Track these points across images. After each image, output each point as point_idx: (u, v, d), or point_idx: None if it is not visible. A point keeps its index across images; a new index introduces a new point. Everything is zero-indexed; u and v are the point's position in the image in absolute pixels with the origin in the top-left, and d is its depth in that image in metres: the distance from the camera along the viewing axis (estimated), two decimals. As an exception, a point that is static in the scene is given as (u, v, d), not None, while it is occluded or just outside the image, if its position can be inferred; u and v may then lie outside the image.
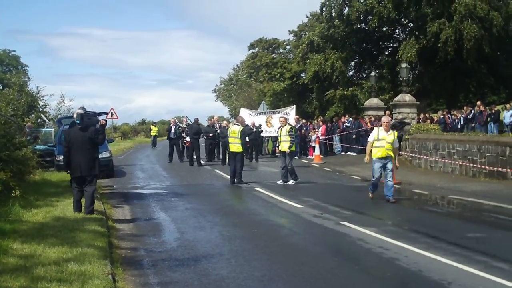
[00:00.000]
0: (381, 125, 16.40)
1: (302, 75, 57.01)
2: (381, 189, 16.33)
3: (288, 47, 74.09)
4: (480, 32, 37.28)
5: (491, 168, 20.74)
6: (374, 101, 38.58)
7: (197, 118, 31.36)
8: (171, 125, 32.88)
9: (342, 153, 34.67)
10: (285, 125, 21.27)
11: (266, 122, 34.67)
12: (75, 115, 13.06)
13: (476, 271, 8.47)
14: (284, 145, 20.89)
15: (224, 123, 32.38)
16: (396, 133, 16.30)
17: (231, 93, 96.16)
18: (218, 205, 15.98)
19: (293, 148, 21.02)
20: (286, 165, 20.81)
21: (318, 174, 24.83)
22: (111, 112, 49.86)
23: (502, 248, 10.17)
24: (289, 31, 70.72)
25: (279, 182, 20.88)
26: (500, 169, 20.28)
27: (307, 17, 67.62)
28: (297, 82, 57.45)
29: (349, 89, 47.67)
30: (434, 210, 15.63)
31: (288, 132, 20.84)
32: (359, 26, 46.13)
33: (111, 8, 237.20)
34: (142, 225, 12.91)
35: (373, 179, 16.34)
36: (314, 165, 28.96)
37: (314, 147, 33.03)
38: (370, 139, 16.36)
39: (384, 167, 15.98)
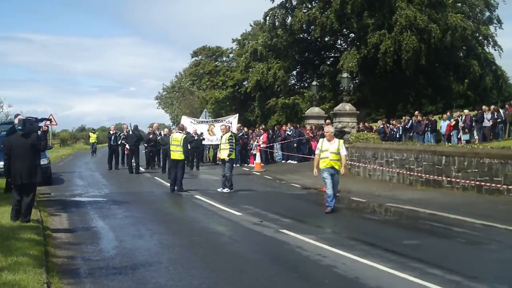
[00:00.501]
0: (324, 136, 16.21)
1: (245, 83, 57.22)
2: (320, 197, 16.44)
3: (231, 55, 74.31)
4: (418, 44, 38.10)
5: (427, 176, 21.19)
6: (316, 110, 38.99)
7: (136, 125, 31.13)
8: (111, 132, 32.48)
9: (283, 161, 34.87)
10: (226, 132, 21.26)
11: (208, 130, 34.63)
12: (16, 121, 12.77)
13: (411, 278, 8.63)
14: (224, 153, 20.86)
15: (165, 131, 32.20)
16: (341, 141, 16.14)
17: (173, 100, 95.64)
18: (158, 213, 15.88)
19: (232, 156, 20.91)
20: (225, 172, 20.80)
21: (258, 182, 24.90)
22: (50, 118, 48.89)
23: (437, 255, 10.37)
24: (232, 39, 70.97)
25: (219, 189, 20.83)
26: (436, 177, 20.74)
27: (250, 26, 68.09)
28: (239, 90, 57.66)
29: (291, 98, 48.09)
30: (371, 217, 15.87)
31: (228, 139, 20.79)
32: (301, 36, 46.58)
33: (54, 14, 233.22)
34: (79, 233, 12.70)
35: (328, 191, 15.77)
36: (254, 173, 29.06)
37: (255, 155, 33.13)
38: (316, 151, 16.22)
39: (332, 177, 15.78)
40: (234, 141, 21.10)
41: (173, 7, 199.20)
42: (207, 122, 36.34)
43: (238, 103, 59.54)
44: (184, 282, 8.48)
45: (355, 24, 41.27)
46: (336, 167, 15.76)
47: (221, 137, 21.46)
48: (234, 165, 22.70)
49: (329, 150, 15.66)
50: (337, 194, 18.76)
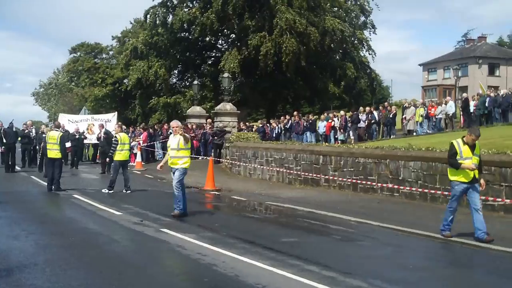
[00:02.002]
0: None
1: (125, 81, 56.43)
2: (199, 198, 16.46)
3: (111, 52, 73.03)
4: (298, 46, 38.96)
5: (306, 175, 21.71)
6: (197, 109, 39.05)
7: (12, 123, 29.87)
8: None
9: (164, 160, 34.58)
10: (116, 133, 20.91)
11: (88, 129, 33.90)
12: None
13: (289, 275, 8.79)
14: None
15: (43, 128, 31.13)
16: (182, 136, 14.73)
17: (50, 97, 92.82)
18: (34, 213, 15.37)
19: (117, 157, 20.35)
20: (124, 173, 20.25)
21: (139, 181, 24.56)
22: None
23: (314, 252, 10.66)
24: (112, 36, 69.88)
25: (124, 191, 20.18)
26: (314, 176, 21.29)
27: (131, 23, 67.29)
28: (119, 88, 56.73)
29: (173, 97, 47.85)
30: (252, 216, 16.06)
31: (113, 140, 20.34)
32: (183, 35, 46.52)
33: None
34: None
35: (174, 192, 14.80)
36: (135, 172, 28.64)
37: (135, 154, 32.70)
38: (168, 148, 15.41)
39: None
40: (118, 142, 20.45)
41: (51, 2, 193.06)
42: (86, 120, 35.54)
43: (119, 101, 58.71)
44: (61, 284, 8.25)
45: (236, 25, 41.66)
46: (178, 164, 14.76)
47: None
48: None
49: (170, 147, 15.01)
50: (217, 193, 18.88)
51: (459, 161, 11.64)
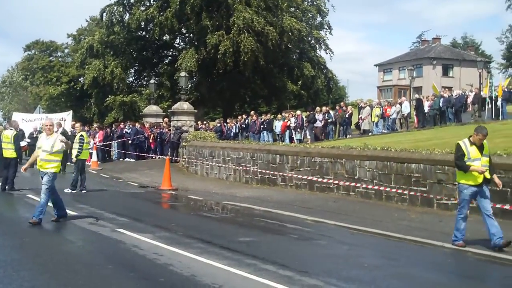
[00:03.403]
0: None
1: (81, 80, 55.83)
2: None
3: (66, 50, 72.09)
4: (256, 46, 39.02)
5: (263, 174, 21.77)
6: (154, 108, 38.85)
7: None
8: None
9: (120, 159, 34.34)
10: (79, 131, 20.64)
11: (42, 128, 33.43)
12: None
13: (246, 274, 8.81)
14: (73, 152, 20.06)
15: (-2, 127, 30.57)
16: (58, 136, 13.74)
17: (4, 96, 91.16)
18: (-14, 214, 15.08)
19: (81, 156, 20.06)
20: (81, 173, 19.94)
21: (95, 180, 24.28)
22: None
23: (270, 251, 10.70)
24: (67, 34, 68.95)
25: (79, 190, 19.87)
26: (271, 175, 21.36)
27: (87, 21, 66.49)
28: (75, 87, 56.08)
29: (129, 95, 47.49)
30: (208, 215, 16.05)
31: (79, 139, 19.99)
32: (140, 33, 46.21)
33: None
34: None
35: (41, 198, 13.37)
36: (91, 171, 28.30)
37: (91, 153, 32.32)
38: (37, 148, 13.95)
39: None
40: (84, 140, 20.13)
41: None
42: (40, 119, 35.00)
43: (74, 99, 58.04)
44: (15, 285, 8.10)
45: (194, 24, 41.53)
46: (47, 168, 13.34)
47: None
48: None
49: (42, 148, 13.43)
50: (174, 192, 18.79)
51: (467, 163, 10.84)
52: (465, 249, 10.71)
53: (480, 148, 10.91)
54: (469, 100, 33.60)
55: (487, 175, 10.83)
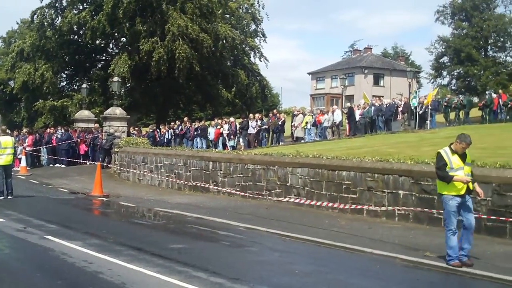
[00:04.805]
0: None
1: (11, 83, 54.56)
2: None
3: (-5, 53, 70.31)
4: (191, 52, 38.95)
5: (195, 181, 21.72)
6: (85, 113, 38.30)
7: None
8: None
9: (50, 165, 33.65)
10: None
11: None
12: None
13: (176, 281, 8.77)
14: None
15: None
16: None
17: None
18: None
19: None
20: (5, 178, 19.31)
21: (23, 186, 23.71)
22: None
23: (202, 258, 10.69)
24: (-3, 36, 67.35)
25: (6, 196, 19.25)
26: (203, 182, 21.32)
27: (17, 23, 65.10)
28: (4, 90, 54.77)
29: (60, 100, 46.62)
30: (140, 222, 15.93)
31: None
32: (72, 37, 45.46)
33: None
34: None
35: None
36: (19, 177, 27.61)
37: (20, 158, 31.56)
38: None
39: None
40: (1, 146, 19.47)
41: None
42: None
43: (3, 104, 56.64)
44: None
45: (127, 29, 41.11)
46: None
47: None
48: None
49: None
50: (106, 199, 18.58)
51: (450, 173, 10.11)
52: (393, 255, 10.91)
53: (462, 156, 10.24)
54: (399, 109, 34.36)
55: (471, 186, 10.22)
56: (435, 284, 9.43)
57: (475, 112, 36.60)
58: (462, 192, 10.09)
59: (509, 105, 32.62)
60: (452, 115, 35.75)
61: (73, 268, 9.77)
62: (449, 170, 10.10)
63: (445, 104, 35.34)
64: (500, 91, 36.85)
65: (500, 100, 33.24)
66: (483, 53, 74.89)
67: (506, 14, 73.68)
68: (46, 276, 9.20)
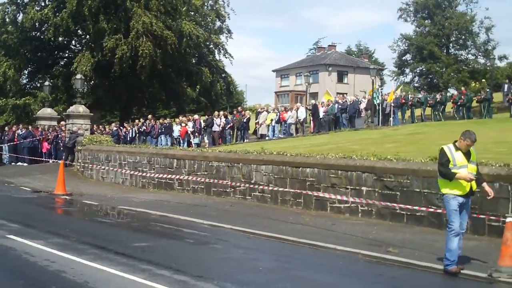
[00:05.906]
0: None
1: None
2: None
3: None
4: (154, 50, 38.76)
5: (159, 179, 21.65)
6: (48, 111, 37.88)
7: None
8: None
9: (12, 163, 33.19)
10: None
11: None
12: None
13: (140, 280, 8.74)
14: None
15: None
16: None
17: None
18: None
19: None
20: None
21: (-16, 186, 23.46)
22: None
23: (166, 256, 10.68)
24: (-44, 32, 65.98)
25: None
26: (168, 180, 21.27)
27: (-23, 19, 63.83)
28: (-36, 88, 53.70)
29: (22, 98, 46.00)
30: (103, 220, 15.83)
31: None
32: (34, 34, 44.83)
33: None
34: None
35: None
36: (-20, 177, 27.30)
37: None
38: None
39: None
40: None
41: None
42: None
43: (-37, 102, 55.55)
44: None
45: (91, 26, 40.71)
46: None
47: None
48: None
49: None
50: (68, 197, 18.45)
51: (452, 170, 9.62)
52: (356, 250, 11.03)
53: (467, 154, 9.71)
54: (363, 106, 34.63)
55: (474, 186, 9.73)
56: (397, 279, 9.54)
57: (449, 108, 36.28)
58: (466, 192, 9.67)
59: (459, 103, 33.41)
60: (418, 112, 35.70)
61: (35, 267, 9.67)
62: (452, 167, 9.63)
63: (403, 101, 35.35)
64: (462, 88, 37.32)
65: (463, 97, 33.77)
66: (445, 51, 76.03)
67: (468, 12, 74.87)
68: (7, 276, 9.11)
